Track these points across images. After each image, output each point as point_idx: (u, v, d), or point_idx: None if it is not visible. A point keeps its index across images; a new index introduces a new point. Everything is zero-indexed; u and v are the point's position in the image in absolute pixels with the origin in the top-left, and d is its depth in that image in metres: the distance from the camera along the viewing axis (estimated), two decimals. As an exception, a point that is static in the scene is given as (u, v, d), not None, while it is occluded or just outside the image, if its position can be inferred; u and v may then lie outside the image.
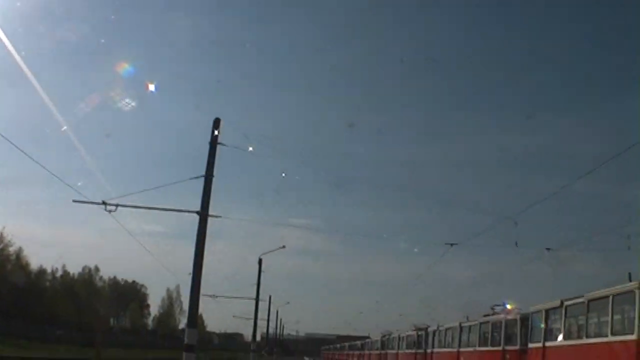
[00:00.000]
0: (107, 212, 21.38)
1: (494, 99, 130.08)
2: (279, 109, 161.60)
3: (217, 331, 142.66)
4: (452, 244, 27.27)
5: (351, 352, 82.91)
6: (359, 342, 77.60)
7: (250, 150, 23.47)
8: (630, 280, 18.74)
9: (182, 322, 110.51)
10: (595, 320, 19.87)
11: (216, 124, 22.63)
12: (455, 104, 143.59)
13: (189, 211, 22.26)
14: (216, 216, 22.71)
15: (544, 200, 25.58)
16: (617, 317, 18.59)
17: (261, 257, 55.57)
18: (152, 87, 23.93)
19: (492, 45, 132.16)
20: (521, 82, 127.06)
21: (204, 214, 21.72)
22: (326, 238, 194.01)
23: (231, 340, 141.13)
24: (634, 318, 17.21)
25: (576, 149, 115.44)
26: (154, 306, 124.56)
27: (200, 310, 23.35)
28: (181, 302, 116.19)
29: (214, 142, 22.23)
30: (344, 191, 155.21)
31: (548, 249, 26.27)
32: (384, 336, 57.09)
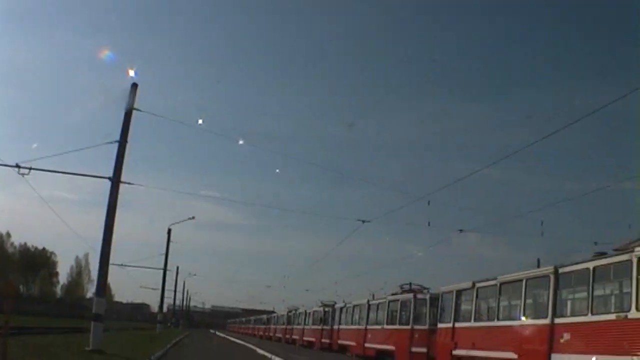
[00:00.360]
0: (20, 177, 20.37)
1: (413, 84, 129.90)
2: (200, 79, 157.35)
3: (124, 301, 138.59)
4: (364, 221, 26.30)
5: (257, 326, 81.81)
6: (264, 316, 76.74)
7: (167, 119, 22.79)
8: (539, 266, 18.72)
9: (90, 291, 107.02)
10: (506, 303, 19.60)
11: (133, 89, 21.51)
12: (377, 86, 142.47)
13: (101, 177, 21.40)
14: (128, 183, 21.70)
15: (455, 182, 24.99)
16: (529, 301, 18.35)
17: (170, 227, 53.94)
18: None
19: (414, 33, 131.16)
20: (439, 70, 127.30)
21: (116, 180, 20.65)
22: (236, 211, 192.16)
23: (138, 310, 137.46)
24: (548, 302, 16.96)
25: (489, 136, 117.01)
26: (63, 275, 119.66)
27: (110, 279, 22.61)
28: (89, 271, 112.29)
29: (129, 108, 21.20)
30: (256, 165, 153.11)
31: (460, 230, 25.82)
32: (290, 311, 56.37)
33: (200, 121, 47.78)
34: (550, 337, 16.55)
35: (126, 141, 21.06)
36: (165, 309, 68.02)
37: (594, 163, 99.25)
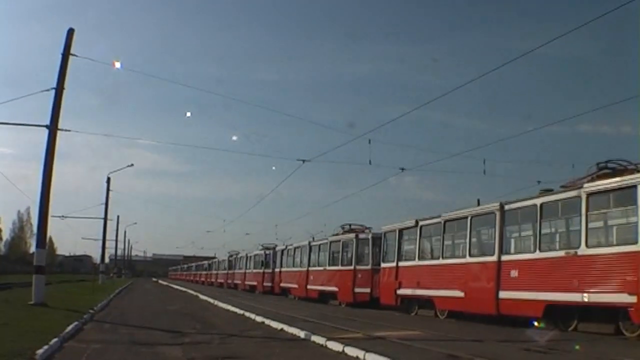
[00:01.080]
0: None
1: (348, 27, 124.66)
2: (138, 24, 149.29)
3: (67, 254, 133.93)
4: (304, 161, 24.74)
5: (198, 273, 79.50)
6: (205, 263, 74.53)
7: (105, 64, 21.01)
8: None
9: (34, 246, 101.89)
10: (451, 241, 18.89)
11: (69, 35, 19.65)
12: (314, 28, 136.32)
13: (38, 125, 19.88)
14: (66, 130, 20.07)
15: (392, 121, 23.73)
16: (474, 239, 17.68)
17: (109, 175, 50.33)
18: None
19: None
20: (373, 11, 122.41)
21: (53, 128, 18.99)
22: (174, 158, 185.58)
23: (80, 263, 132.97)
24: (494, 239, 16.29)
25: (427, 78, 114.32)
26: (6, 231, 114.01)
27: (51, 232, 20.95)
28: (32, 225, 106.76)
29: (66, 53, 19.40)
30: (194, 110, 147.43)
31: (402, 169, 24.71)
32: (231, 256, 54.59)
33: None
34: (497, 275, 15.94)
35: (63, 87, 19.31)
36: (107, 260, 65.41)
37: (530, 105, 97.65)
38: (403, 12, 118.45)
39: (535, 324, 14.63)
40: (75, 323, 13.19)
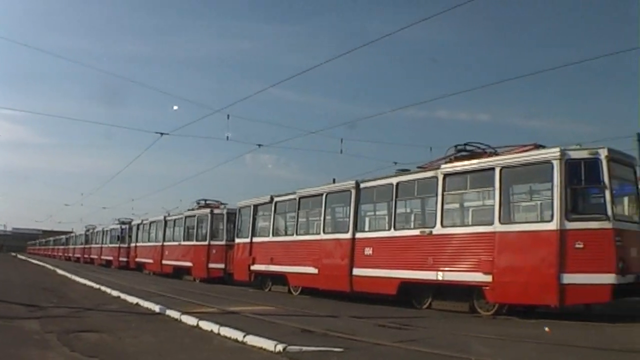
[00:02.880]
0: None
1: (213, 4, 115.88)
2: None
3: None
4: (162, 134, 21.62)
5: (56, 247, 71.07)
6: (63, 237, 66.69)
7: None
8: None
9: None
10: (305, 218, 16.99)
11: None
12: (181, 6, 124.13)
13: None
14: None
15: (251, 96, 21.45)
16: (329, 217, 15.86)
17: None
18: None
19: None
20: None
21: None
22: (33, 130, 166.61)
23: None
24: (349, 217, 14.55)
25: (287, 57, 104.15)
26: None
27: None
28: None
29: None
30: (48, 81, 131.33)
31: (259, 145, 22.43)
32: (88, 230, 48.90)
33: None
34: (351, 252, 14.20)
35: None
36: None
37: (383, 89, 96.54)
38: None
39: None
40: None
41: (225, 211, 23.41)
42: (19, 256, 69.18)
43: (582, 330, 9.11)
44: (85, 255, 48.51)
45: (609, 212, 9.63)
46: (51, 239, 78.90)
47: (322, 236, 15.45)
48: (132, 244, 34.37)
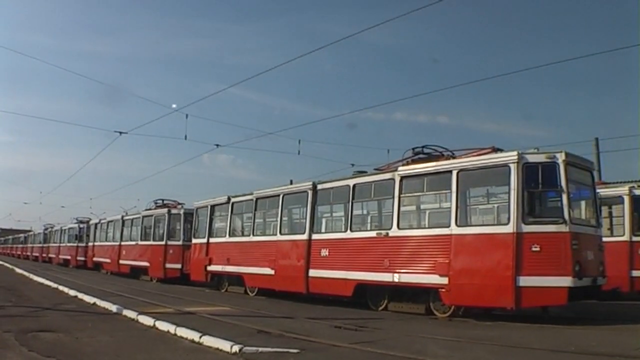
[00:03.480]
0: None
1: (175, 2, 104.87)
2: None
3: None
4: (121, 133, 20.25)
5: (15, 246, 66.55)
6: (22, 236, 62.55)
7: None
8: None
9: None
10: (262, 219, 15.90)
11: None
12: (139, 4, 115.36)
13: None
14: None
15: (208, 96, 20.32)
16: (285, 218, 14.82)
17: None
18: None
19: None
20: None
21: None
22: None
23: None
24: (306, 218, 13.60)
25: (242, 57, 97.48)
26: None
27: None
28: None
29: None
30: (19, 80, 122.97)
31: (217, 145, 21.26)
32: (47, 229, 46.01)
33: None
34: (307, 253, 13.25)
35: None
36: None
37: (342, 91, 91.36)
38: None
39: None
40: None
41: (182, 211, 22.06)
42: (-23, 255, 65.11)
43: (539, 332, 8.51)
44: (44, 254, 45.39)
45: (566, 216, 9.03)
46: (10, 237, 74.34)
47: (279, 237, 14.41)
48: (90, 244, 32.28)
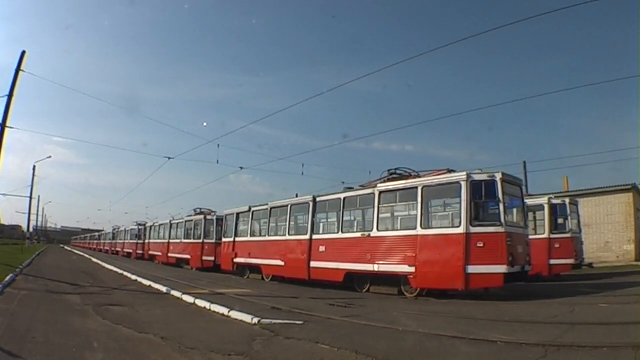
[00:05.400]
0: None
1: (209, 60, 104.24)
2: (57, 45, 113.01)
3: (6, 224, 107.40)
4: (169, 158, 20.68)
5: (92, 242, 66.11)
6: (97, 234, 62.65)
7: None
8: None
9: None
10: (275, 223, 15.65)
11: (22, 56, 14.14)
12: (183, 59, 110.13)
13: None
14: (14, 127, 15.98)
15: (234, 131, 20.82)
16: (292, 222, 14.65)
17: (35, 164, 40.47)
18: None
19: None
20: (222, 45, 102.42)
21: (3, 125, 13.69)
22: (77, 153, 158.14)
23: (14, 230, 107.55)
24: (308, 223, 13.46)
25: (259, 102, 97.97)
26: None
27: None
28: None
29: (18, 69, 14.03)
30: (85, 117, 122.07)
31: (241, 167, 21.70)
32: (115, 229, 45.70)
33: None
34: (309, 249, 13.09)
35: (13, 95, 13.95)
36: (31, 229, 52.38)
37: (334, 126, 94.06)
38: (251, 48, 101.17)
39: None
40: (11, 275, 12.06)
41: (215, 217, 21.79)
42: (66, 248, 65.06)
43: (482, 307, 8.45)
44: (113, 249, 45.03)
45: (502, 220, 8.98)
46: (88, 235, 74.29)
47: (288, 237, 14.28)
48: (147, 241, 31.96)
